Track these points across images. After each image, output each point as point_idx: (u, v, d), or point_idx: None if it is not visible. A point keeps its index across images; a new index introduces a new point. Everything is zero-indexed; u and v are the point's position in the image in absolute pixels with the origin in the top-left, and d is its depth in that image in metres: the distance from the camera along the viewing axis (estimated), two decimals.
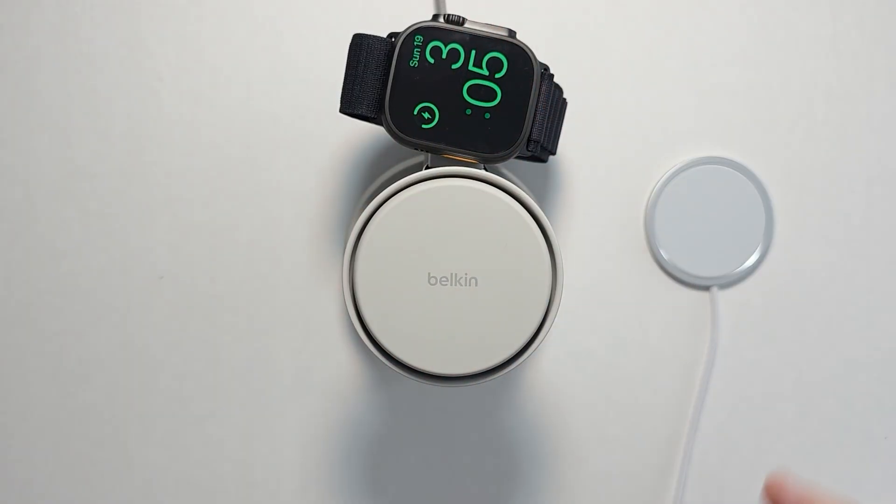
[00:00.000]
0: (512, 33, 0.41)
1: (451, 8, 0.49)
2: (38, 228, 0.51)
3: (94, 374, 0.52)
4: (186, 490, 0.52)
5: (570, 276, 0.50)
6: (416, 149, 0.41)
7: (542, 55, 0.42)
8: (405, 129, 0.41)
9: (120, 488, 0.52)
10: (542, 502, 0.53)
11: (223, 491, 0.53)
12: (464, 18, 0.40)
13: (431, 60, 0.40)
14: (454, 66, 0.40)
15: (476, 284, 0.39)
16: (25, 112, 0.50)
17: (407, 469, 0.53)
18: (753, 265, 0.52)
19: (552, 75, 0.42)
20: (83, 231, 0.51)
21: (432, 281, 0.39)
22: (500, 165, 0.49)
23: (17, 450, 0.52)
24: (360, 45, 0.41)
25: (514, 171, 0.50)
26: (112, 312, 0.51)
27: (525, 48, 0.40)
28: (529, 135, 0.41)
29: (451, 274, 0.39)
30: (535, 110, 0.41)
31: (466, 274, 0.39)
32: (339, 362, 0.52)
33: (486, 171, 0.40)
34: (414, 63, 0.40)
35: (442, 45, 0.40)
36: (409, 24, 0.40)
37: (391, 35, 0.41)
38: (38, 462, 0.52)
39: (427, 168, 0.41)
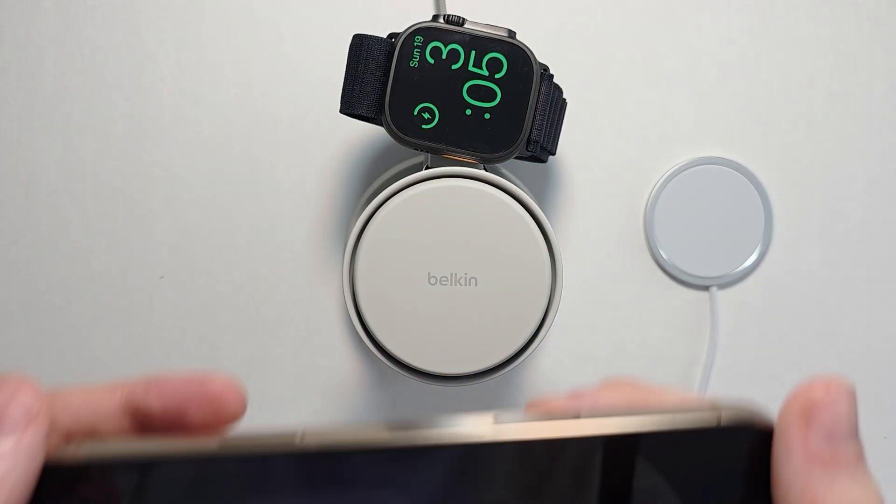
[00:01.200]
0: (512, 34, 0.41)
1: (451, 8, 0.49)
2: (38, 228, 0.51)
3: (94, 373, 0.52)
4: None
5: (570, 276, 0.50)
6: (416, 149, 0.41)
7: (541, 55, 0.42)
8: (405, 129, 0.41)
9: None
10: None
11: None
12: (464, 19, 0.40)
13: (431, 61, 0.40)
14: (454, 67, 0.40)
15: (476, 284, 0.39)
16: (25, 112, 0.50)
17: None
18: (752, 265, 0.52)
19: (552, 75, 0.42)
20: (83, 231, 0.51)
21: (432, 281, 0.39)
22: (500, 165, 0.49)
23: None
24: (361, 46, 0.41)
25: (514, 171, 0.50)
26: (112, 312, 0.51)
27: (525, 48, 0.40)
28: (529, 135, 0.41)
29: (451, 274, 0.39)
30: (535, 110, 0.41)
31: (466, 274, 0.39)
32: (339, 362, 0.52)
33: (486, 171, 0.40)
34: (414, 63, 0.40)
35: (442, 46, 0.40)
36: (409, 25, 0.40)
37: (391, 35, 0.41)
38: None
39: (427, 168, 0.41)
